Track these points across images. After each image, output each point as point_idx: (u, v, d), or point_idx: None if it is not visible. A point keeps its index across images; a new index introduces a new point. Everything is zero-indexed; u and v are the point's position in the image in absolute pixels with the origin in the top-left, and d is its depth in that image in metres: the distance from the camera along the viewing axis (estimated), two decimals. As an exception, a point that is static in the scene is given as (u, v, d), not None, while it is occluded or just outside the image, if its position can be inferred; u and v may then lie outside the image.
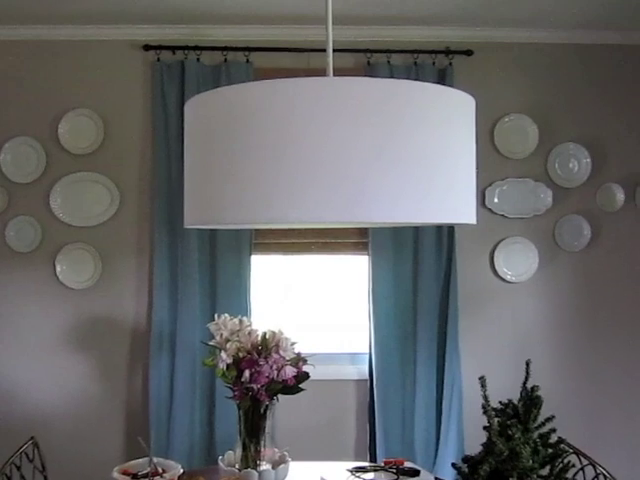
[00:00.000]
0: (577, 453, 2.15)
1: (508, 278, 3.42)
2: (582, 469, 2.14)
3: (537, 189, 3.41)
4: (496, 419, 1.59)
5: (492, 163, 3.41)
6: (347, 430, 3.44)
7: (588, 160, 3.41)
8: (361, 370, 3.42)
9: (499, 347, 3.40)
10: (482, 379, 1.48)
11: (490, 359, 3.39)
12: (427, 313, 3.34)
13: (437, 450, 3.32)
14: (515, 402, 1.62)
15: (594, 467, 2.08)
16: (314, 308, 3.54)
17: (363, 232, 3.37)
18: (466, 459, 1.48)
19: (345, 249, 3.44)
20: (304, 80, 1.42)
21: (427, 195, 1.36)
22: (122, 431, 3.32)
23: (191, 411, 3.27)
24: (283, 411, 3.32)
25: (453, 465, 1.47)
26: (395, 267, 3.35)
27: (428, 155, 1.37)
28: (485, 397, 1.44)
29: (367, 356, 3.38)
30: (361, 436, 3.42)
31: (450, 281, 3.33)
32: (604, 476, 2.06)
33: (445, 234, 3.34)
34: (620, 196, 3.35)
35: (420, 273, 3.34)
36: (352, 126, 1.36)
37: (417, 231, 3.32)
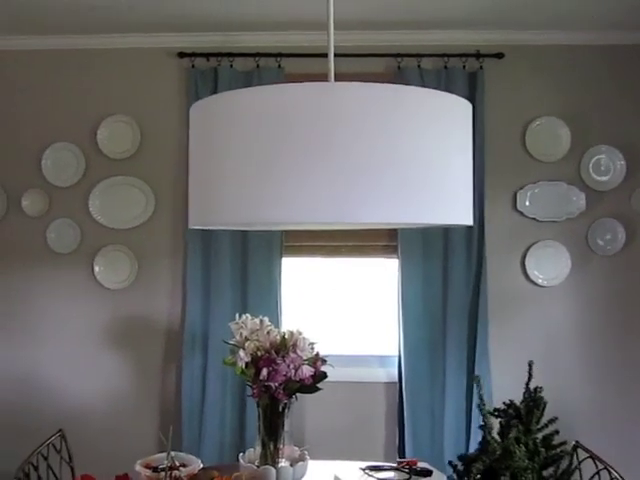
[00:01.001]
0: (593, 457, 2.13)
1: (540, 282, 3.39)
2: (598, 473, 2.12)
3: (570, 192, 3.38)
4: (498, 419, 1.60)
5: (524, 166, 3.40)
6: (377, 432, 3.46)
7: (622, 163, 3.36)
8: (390, 373, 3.44)
9: (529, 352, 3.34)
10: (476, 378, 1.49)
11: (520, 364, 3.30)
12: (457, 317, 3.34)
13: (467, 453, 3.30)
14: (517, 403, 1.62)
15: (609, 472, 2.06)
16: (344, 310, 3.57)
17: (392, 235, 3.39)
18: (461, 457, 1.50)
19: (375, 252, 3.47)
20: (305, 85, 1.46)
21: (420, 196, 1.38)
22: (155, 428, 3.41)
23: (222, 409, 3.34)
24: (313, 412, 3.39)
25: (449, 463, 1.49)
26: (425, 270, 3.36)
27: (422, 158, 1.40)
28: (480, 397, 1.45)
29: (396, 359, 3.39)
30: (390, 438, 3.44)
31: (480, 285, 3.32)
32: (618, 481, 2.03)
33: (475, 237, 3.33)
34: (656, 199, 3.30)
35: (450, 276, 3.34)
36: (349, 130, 1.39)
37: (447, 234, 3.33)
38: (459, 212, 1.47)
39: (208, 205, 1.47)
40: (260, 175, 1.40)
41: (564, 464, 1.61)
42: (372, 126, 1.37)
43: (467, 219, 1.50)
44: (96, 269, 3.42)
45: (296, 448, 2.42)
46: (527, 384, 1.62)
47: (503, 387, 3.22)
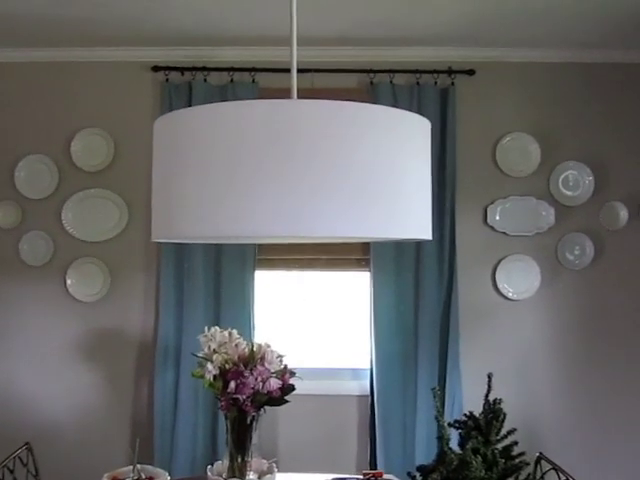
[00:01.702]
0: (555, 469, 2.16)
1: (510, 296, 3.43)
2: (560, 485, 2.14)
3: (539, 207, 3.43)
4: (457, 431, 1.63)
5: (494, 181, 3.44)
6: (349, 445, 3.47)
7: (591, 178, 3.42)
8: (363, 385, 3.46)
9: (500, 364, 3.38)
10: (434, 390, 1.51)
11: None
12: (428, 330, 3.37)
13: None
14: (477, 414, 1.64)
15: (571, 483, 2.09)
16: (316, 323, 3.59)
17: (365, 249, 3.42)
18: (420, 468, 1.51)
19: (347, 265, 3.50)
20: (265, 102, 1.49)
21: (376, 211, 1.41)
22: (126, 441, 3.39)
23: (194, 422, 3.34)
24: (286, 425, 3.39)
25: (408, 474, 1.51)
26: (396, 284, 3.39)
27: (379, 173, 1.42)
28: (437, 408, 1.47)
29: (369, 372, 3.41)
30: (362, 451, 3.45)
31: (451, 298, 3.36)
32: (579, 492, 2.06)
33: (446, 251, 3.37)
34: (624, 214, 3.35)
35: (421, 290, 3.37)
36: (308, 146, 1.41)
37: (418, 248, 3.36)
38: (416, 226, 1.49)
39: (169, 218, 1.49)
40: (219, 189, 1.42)
41: (523, 475, 1.63)
42: (330, 142, 1.40)
43: (425, 234, 1.53)
44: (68, 282, 3.42)
45: (264, 461, 2.42)
46: (487, 396, 1.65)
47: (473, 399, 3.21)
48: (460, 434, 1.64)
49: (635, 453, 3.41)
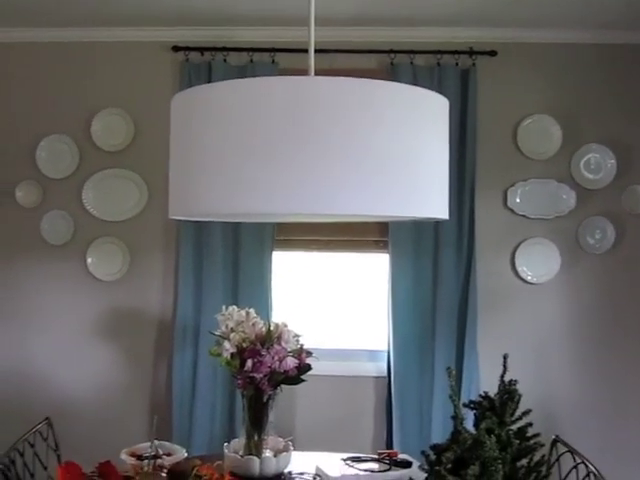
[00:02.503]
0: (571, 451, 2.15)
1: (529, 279, 3.41)
2: (575, 467, 2.14)
3: (560, 190, 3.39)
4: (472, 411, 1.63)
5: (514, 163, 3.41)
6: (365, 426, 3.48)
7: (613, 161, 3.38)
8: (380, 367, 3.47)
9: (518, 347, 3.37)
10: (449, 370, 1.51)
11: (509, 359, 3.37)
12: (446, 312, 3.36)
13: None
14: (492, 395, 1.64)
15: (586, 466, 2.08)
16: (334, 305, 3.60)
17: (384, 230, 3.41)
18: (434, 447, 1.52)
19: (366, 247, 3.50)
20: (283, 79, 1.49)
21: (394, 189, 1.40)
22: (145, 419, 3.44)
23: (212, 401, 3.37)
24: (303, 404, 3.41)
25: (422, 452, 1.51)
26: (415, 266, 3.38)
27: (397, 151, 1.42)
28: (452, 388, 1.47)
29: (386, 354, 3.41)
30: (379, 432, 3.46)
31: (470, 281, 3.34)
32: (594, 475, 2.05)
33: (466, 233, 3.35)
34: (646, 198, 3.31)
35: (440, 272, 3.36)
36: (326, 123, 1.41)
37: (437, 230, 3.35)
38: (434, 206, 1.49)
39: (187, 196, 1.50)
40: (237, 166, 1.42)
41: (538, 456, 1.63)
42: (348, 119, 1.40)
43: (443, 213, 1.52)
44: (89, 261, 3.45)
45: (280, 439, 2.44)
46: (502, 377, 1.65)
47: (491, 382, 3.21)
48: (475, 414, 1.64)
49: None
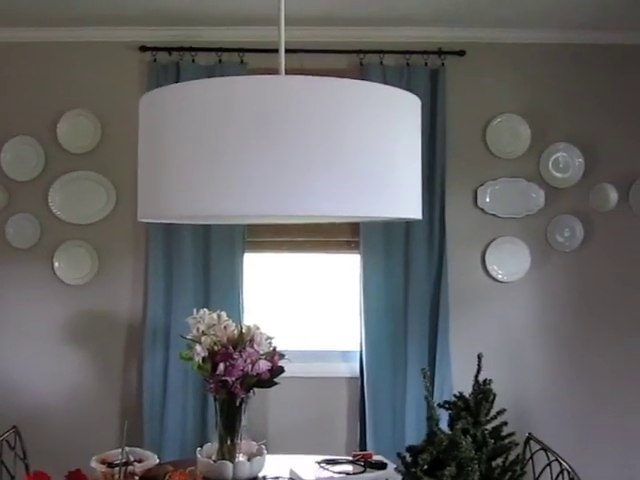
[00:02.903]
0: (544, 449, 2.16)
1: (499, 278, 3.43)
2: (549, 464, 2.15)
3: (529, 189, 3.42)
4: (447, 411, 1.62)
5: (484, 163, 3.43)
6: (339, 427, 3.47)
7: (581, 160, 3.41)
8: (352, 368, 3.45)
9: (490, 346, 3.38)
10: (424, 371, 1.51)
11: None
12: (418, 312, 3.37)
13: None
14: (467, 395, 1.63)
15: (560, 463, 2.09)
16: (306, 306, 3.58)
17: (355, 230, 3.40)
18: (410, 448, 1.51)
19: (337, 247, 3.49)
20: (253, 78, 1.47)
21: (366, 189, 1.39)
22: (115, 424, 3.38)
23: (184, 405, 3.33)
24: (276, 407, 3.39)
25: (398, 454, 1.50)
26: (386, 266, 3.38)
27: (368, 151, 1.41)
28: (427, 389, 1.46)
29: (358, 354, 3.41)
30: (352, 434, 3.45)
31: (441, 280, 3.35)
32: (568, 472, 2.07)
33: (436, 233, 3.36)
34: (613, 196, 3.34)
35: (411, 272, 3.36)
36: (296, 122, 1.40)
37: (408, 230, 3.35)
38: (407, 206, 1.48)
39: (156, 198, 1.47)
40: (207, 168, 1.40)
41: (513, 455, 1.63)
42: (319, 119, 1.38)
43: (416, 213, 1.51)
44: (56, 265, 3.38)
45: (254, 443, 2.42)
46: (476, 376, 1.64)
47: (464, 381, 3.21)
48: (450, 415, 1.63)
49: (625, 433, 3.43)
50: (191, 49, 3.35)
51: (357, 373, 3.41)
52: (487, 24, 3.33)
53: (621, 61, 3.42)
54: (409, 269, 3.37)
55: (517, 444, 1.61)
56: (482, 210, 3.43)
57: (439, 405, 1.65)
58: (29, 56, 3.39)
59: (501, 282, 3.43)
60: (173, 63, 3.36)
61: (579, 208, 3.43)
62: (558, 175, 3.43)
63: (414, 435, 3.34)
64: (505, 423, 1.64)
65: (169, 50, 3.36)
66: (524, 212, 3.42)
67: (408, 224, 3.32)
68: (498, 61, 3.44)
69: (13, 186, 3.38)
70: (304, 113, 1.40)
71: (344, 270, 3.55)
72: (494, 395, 1.66)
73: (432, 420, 1.45)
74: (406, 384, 3.36)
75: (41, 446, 2.95)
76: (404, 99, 1.49)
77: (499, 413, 1.65)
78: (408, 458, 1.47)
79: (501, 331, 3.43)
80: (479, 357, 1.68)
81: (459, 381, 3.31)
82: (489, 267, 3.42)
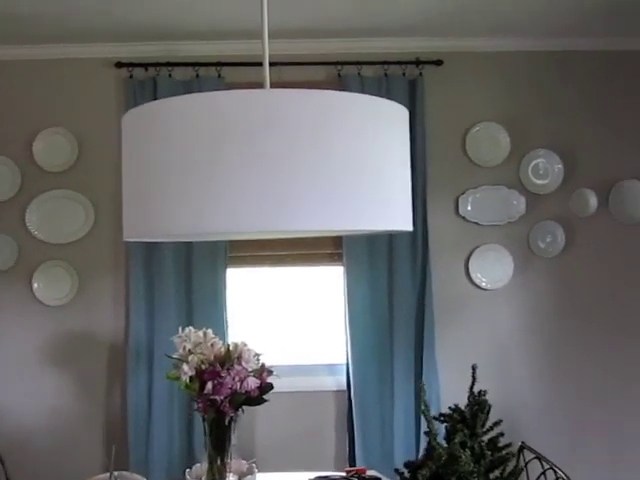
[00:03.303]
0: (539, 457, 2.15)
1: (483, 285, 3.43)
2: (544, 473, 2.14)
3: (510, 196, 3.43)
4: (443, 424, 1.60)
5: (464, 171, 3.44)
6: (327, 441, 3.44)
7: (560, 166, 3.43)
8: (339, 381, 3.43)
9: (477, 354, 3.33)
10: (421, 386, 1.49)
11: (468, 366, 3.34)
12: (403, 322, 3.35)
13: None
14: (462, 407, 1.62)
15: (554, 471, 2.08)
16: (291, 320, 3.55)
17: (337, 242, 3.38)
18: (408, 464, 1.49)
19: (320, 260, 3.47)
20: (239, 92, 1.45)
21: (356, 202, 1.37)
22: (100, 446, 3.32)
23: (169, 424, 3.28)
24: (263, 423, 3.35)
25: (396, 470, 1.48)
26: (370, 277, 3.36)
27: (357, 163, 1.39)
28: (424, 403, 1.44)
29: (344, 367, 3.38)
30: (341, 447, 3.42)
31: (425, 290, 3.34)
32: (563, 480, 2.05)
33: (419, 243, 3.35)
34: (593, 201, 3.36)
35: (395, 282, 3.35)
36: (284, 136, 1.38)
37: (391, 240, 3.34)
38: (398, 217, 1.46)
39: (142, 217, 1.44)
40: (194, 184, 1.37)
41: (510, 466, 1.61)
42: (306, 132, 1.36)
43: (406, 225, 1.50)
44: (35, 286, 3.32)
45: (244, 462, 2.39)
46: (471, 388, 1.63)
47: (451, 391, 3.23)
48: (446, 427, 1.61)
49: (616, 436, 3.43)
50: (168, 64, 3.32)
51: (344, 386, 3.38)
52: (464, 33, 3.34)
53: (599, 67, 3.45)
54: (393, 279, 3.35)
55: (514, 455, 1.59)
56: (464, 218, 3.43)
57: (434, 418, 1.63)
58: (2, 74, 3.33)
59: (485, 290, 3.43)
60: (150, 79, 3.33)
61: (560, 214, 3.45)
62: (538, 182, 3.44)
63: (403, 446, 3.32)
64: (502, 434, 1.63)
65: (145, 66, 3.32)
66: (506, 219, 3.43)
67: (391, 234, 3.31)
68: (476, 70, 3.45)
69: (-11, 207, 3.32)
70: (292, 127, 1.38)
71: (328, 283, 3.52)
72: (489, 406, 1.64)
73: (430, 434, 1.42)
74: (393, 396, 3.33)
75: (25, 472, 2.88)
76: (392, 109, 1.48)
77: (495, 424, 1.63)
78: (407, 474, 1.45)
79: (488, 339, 3.43)
80: (473, 368, 1.67)
81: (447, 391, 3.30)
82: (473, 275, 3.42)
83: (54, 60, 3.34)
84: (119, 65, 3.32)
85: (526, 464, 2.18)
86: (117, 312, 3.36)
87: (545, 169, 3.44)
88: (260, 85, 1.63)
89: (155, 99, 3.28)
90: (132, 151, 1.48)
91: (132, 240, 1.57)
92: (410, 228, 1.53)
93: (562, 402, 3.43)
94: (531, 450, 2.24)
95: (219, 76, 3.35)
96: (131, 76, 3.33)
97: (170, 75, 3.33)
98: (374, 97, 1.48)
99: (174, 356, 2.36)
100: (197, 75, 3.34)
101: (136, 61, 3.32)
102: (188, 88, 3.31)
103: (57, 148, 3.33)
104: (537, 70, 3.45)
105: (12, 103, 3.34)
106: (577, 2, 2.94)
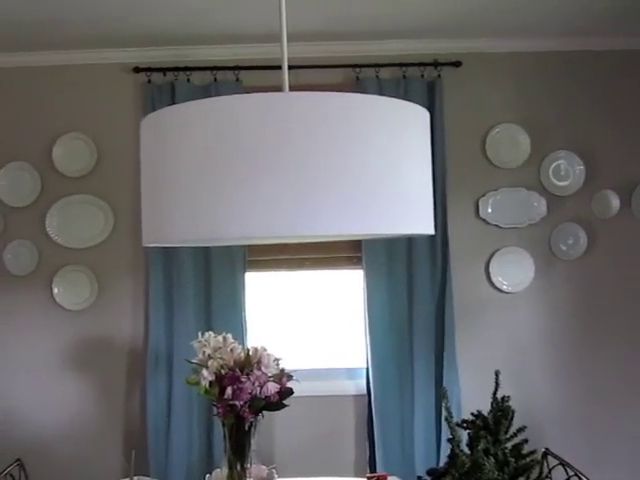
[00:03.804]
0: (563, 464, 2.12)
1: (504, 288, 3.39)
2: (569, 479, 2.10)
3: (531, 198, 3.39)
4: (465, 431, 1.58)
5: (484, 173, 3.40)
6: (347, 446, 3.41)
7: (581, 167, 3.39)
8: (359, 385, 3.40)
9: (497, 358, 3.35)
10: (444, 392, 1.47)
11: (488, 372, 3.30)
12: (423, 326, 3.32)
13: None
14: (485, 414, 1.59)
15: (579, 478, 2.05)
16: (310, 324, 3.53)
17: (357, 246, 3.36)
18: (430, 471, 1.47)
19: (339, 264, 3.45)
20: (258, 96, 1.43)
21: (377, 206, 1.35)
22: (119, 452, 3.32)
23: (189, 429, 3.27)
24: (282, 428, 3.33)
25: (419, 478, 1.46)
26: (389, 280, 3.34)
27: (378, 166, 1.37)
28: (447, 409, 1.42)
29: (364, 371, 3.36)
30: (361, 452, 3.40)
31: (445, 293, 3.31)
32: (588, 487, 2.02)
33: (439, 246, 3.32)
34: (615, 202, 3.32)
35: (415, 286, 3.32)
36: (303, 140, 1.36)
37: (411, 243, 3.31)
38: (419, 221, 1.44)
39: (162, 222, 1.43)
40: (214, 189, 1.36)
41: (535, 473, 1.58)
42: (326, 135, 1.35)
43: (428, 228, 1.48)
44: (55, 290, 3.34)
45: (264, 467, 2.37)
46: (494, 394, 1.60)
47: (472, 396, 3.20)
48: (469, 434, 1.59)
49: (637, 441, 3.38)
50: (186, 69, 3.32)
51: (364, 390, 3.36)
52: (482, 34, 3.31)
53: (619, 66, 3.41)
54: (413, 282, 3.33)
55: (539, 462, 1.56)
56: (484, 221, 3.40)
57: (457, 425, 1.60)
58: (22, 80, 3.36)
59: (506, 293, 3.40)
60: (168, 83, 3.33)
61: (581, 215, 3.40)
62: (559, 183, 3.40)
63: (423, 451, 3.29)
64: (526, 441, 1.60)
65: (163, 70, 3.33)
66: (526, 221, 3.39)
67: (410, 238, 3.28)
68: (495, 71, 3.42)
69: (9, 212, 3.34)
70: (312, 130, 1.36)
71: (347, 286, 3.51)
72: (513, 412, 1.61)
73: (454, 441, 1.40)
74: (414, 400, 3.30)
75: (45, 477, 2.89)
76: (412, 111, 1.46)
77: (519, 431, 1.60)
78: (429, 481, 1.42)
79: (508, 343, 3.39)
80: (496, 374, 1.64)
81: (467, 395, 3.26)
82: (493, 278, 3.39)
83: (73, 66, 3.35)
84: (137, 70, 3.33)
85: (549, 470, 2.15)
86: (136, 317, 3.37)
87: (566, 170, 3.40)
88: (278, 88, 1.61)
89: (173, 103, 3.24)
90: (150, 156, 1.47)
91: (151, 245, 1.56)
92: (432, 232, 1.51)
93: (583, 407, 3.38)
94: (555, 457, 2.20)
95: (237, 80, 3.34)
96: (149, 81, 3.34)
97: (188, 79, 3.33)
98: (394, 99, 1.46)
99: (193, 361, 2.35)
100: (215, 79, 3.34)
101: (154, 66, 3.33)
102: (206, 92, 3.32)
103: (76, 153, 3.35)
104: (557, 70, 3.42)
105: (32, 109, 3.36)
106: (596, 2, 2.90)
